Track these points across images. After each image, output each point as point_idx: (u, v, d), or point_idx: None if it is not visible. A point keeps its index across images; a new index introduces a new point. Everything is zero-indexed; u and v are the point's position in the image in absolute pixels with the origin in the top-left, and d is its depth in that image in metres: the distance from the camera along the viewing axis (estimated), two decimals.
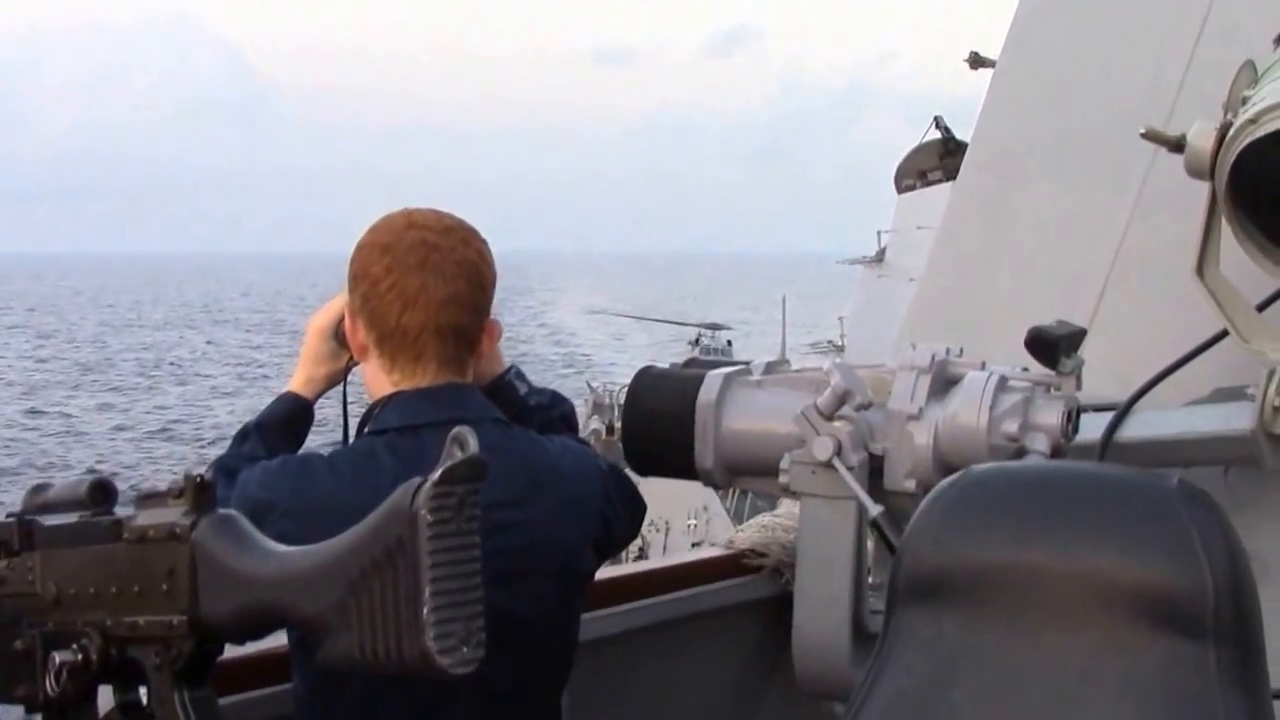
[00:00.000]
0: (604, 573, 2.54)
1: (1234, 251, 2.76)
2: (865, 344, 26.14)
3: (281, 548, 1.39)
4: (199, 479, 1.42)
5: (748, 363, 2.66)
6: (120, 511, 1.54)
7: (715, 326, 69.28)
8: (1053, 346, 2.36)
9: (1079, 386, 2.42)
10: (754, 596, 3.13)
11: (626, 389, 2.59)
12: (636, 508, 2.36)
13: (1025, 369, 2.50)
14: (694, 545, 26.42)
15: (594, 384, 47.57)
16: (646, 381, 2.62)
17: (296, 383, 2.45)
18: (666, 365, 3.01)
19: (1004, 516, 1.60)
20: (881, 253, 27.48)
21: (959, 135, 24.00)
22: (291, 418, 2.39)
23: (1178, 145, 2.68)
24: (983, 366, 2.44)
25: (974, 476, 1.74)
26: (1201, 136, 2.63)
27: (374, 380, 2.28)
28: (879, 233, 28.06)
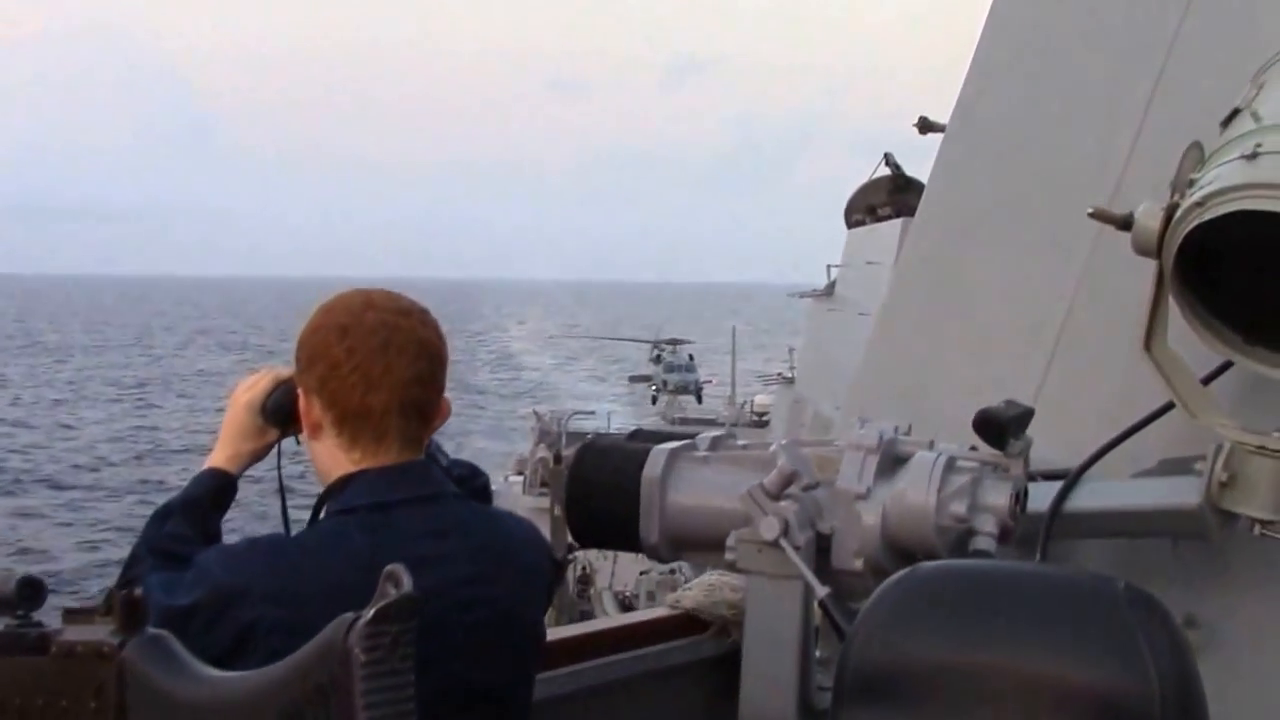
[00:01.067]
0: (552, 633, 2.60)
1: (1181, 324, 2.76)
2: (814, 377, 27.34)
3: (214, 672, 1.37)
4: (128, 595, 1.36)
5: (694, 435, 2.64)
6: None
7: (675, 341, 69.35)
8: (1001, 429, 2.36)
9: (1027, 468, 2.42)
10: (701, 656, 3.12)
11: (570, 461, 2.57)
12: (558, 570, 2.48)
13: (974, 447, 2.50)
14: (641, 574, 26.48)
15: (540, 410, 47.82)
16: (591, 454, 2.60)
17: (220, 458, 2.45)
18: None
19: (951, 617, 1.60)
20: (831, 286, 27.64)
21: (910, 172, 24.50)
22: (217, 495, 2.40)
23: (1125, 224, 2.71)
24: (931, 446, 2.44)
25: (922, 575, 1.73)
26: (1149, 217, 2.66)
27: (330, 459, 2.30)
28: (829, 267, 28.25)
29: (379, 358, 2.26)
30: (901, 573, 1.71)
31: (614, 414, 65.54)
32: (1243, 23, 3.03)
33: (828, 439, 2.59)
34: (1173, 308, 2.78)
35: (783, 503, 2.39)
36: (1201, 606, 2.96)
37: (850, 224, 26.15)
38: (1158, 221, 2.65)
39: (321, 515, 2.27)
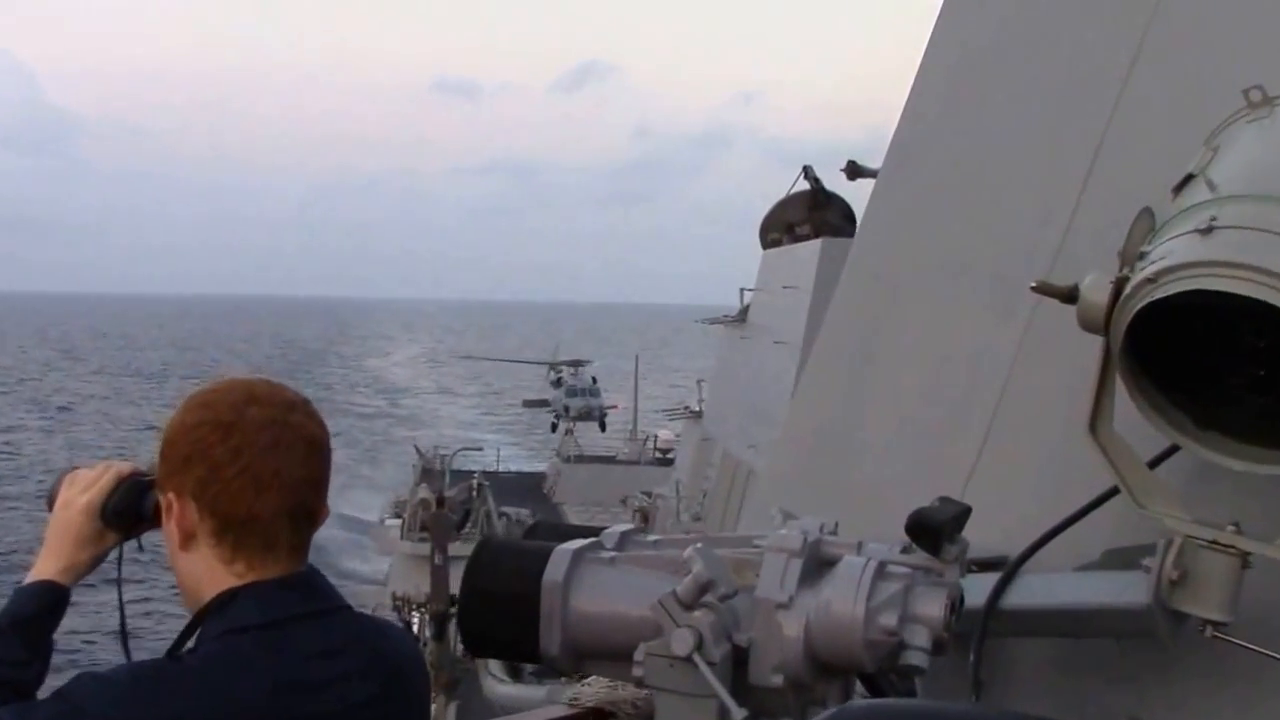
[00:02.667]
0: None
1: (1127, 403, 2.77)
2: (725, 411, 28.26)
3: None
4: None
5: (598, 532, 2.61)
6: None
7: (576, 363, 69.49)
8: (935, 533, 2.36)
9: (963, 572, 2.42)
10: None
11: (467, 563, 2.54)
12: None
13: (906, 546, 2.49)
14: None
15: (421, 446, 47.95)
16: (486, 556, 2.56)
17: (51, 568, 2.37)
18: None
19: None
20: (744, 312, 27.53)
21: (829, 186, 24.56)
22: (54, 611, 2.34)
23: (1069, 297, 2.72)
24: (859, 548, 2.43)
25: (852, 716, 1.72)
26: (1096, 290, 2.67)
27: (205, 572, 2.26)
28: (742, 291, 28.25)
29: (268, 458, 2.24)
30: (830, 713, 1.70)
31: (505, 447, 66.33)
32: (1194, 77, 3.05)
33: (746, 535, 2.57)
34: (1119, 385, 2.79)
35: (697, 613, 2.36)
36: (1147, 709, 2.98)
37: (766, 243, 26.40)
38: (1105, 296, 2.67)
39: (196, 636, 2.23)
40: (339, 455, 2.48)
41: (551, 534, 2.70)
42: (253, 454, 2.24)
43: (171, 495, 2.28)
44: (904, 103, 3.73)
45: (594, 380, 66.70)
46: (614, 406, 67.26)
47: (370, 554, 46.52)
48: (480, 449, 53.47)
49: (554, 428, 65.01)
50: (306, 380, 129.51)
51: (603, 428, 64.43)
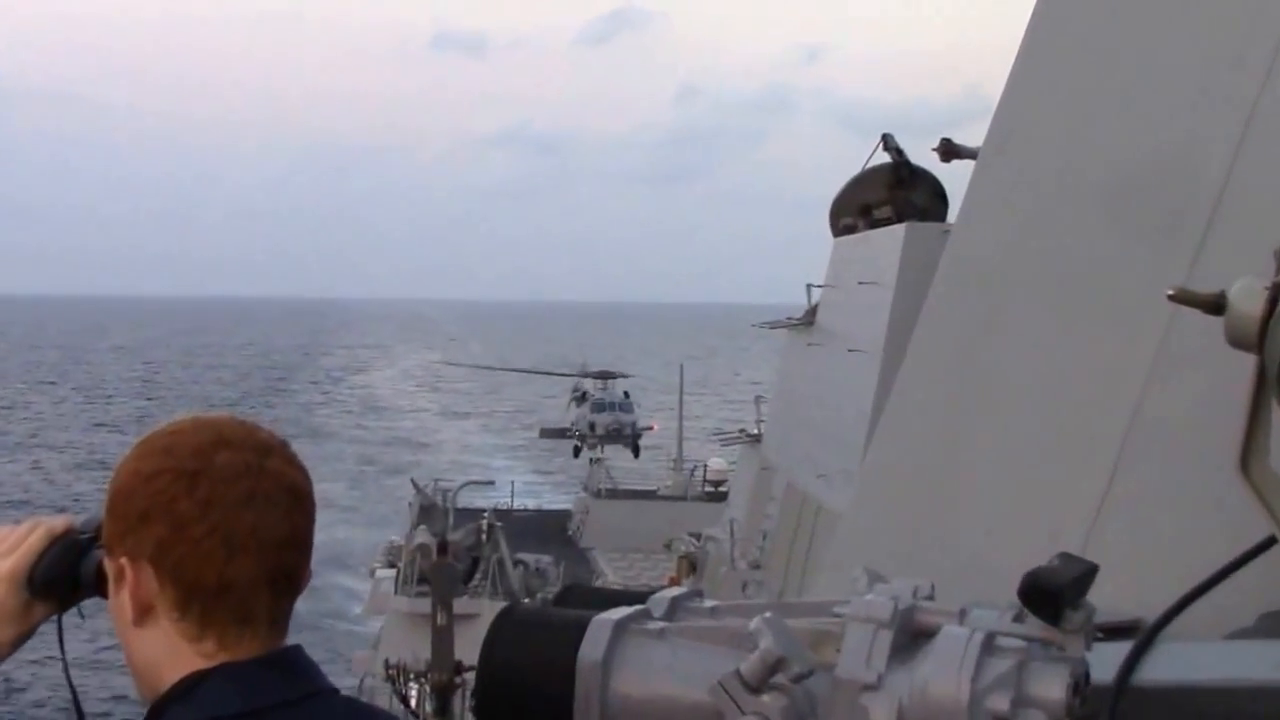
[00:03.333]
0: None
1: None
2: (789, 434, 28.32)
3: None
4: None
5: (644, 597, 2.62)
6: None
7: (606, 375, 69.23)
8: (1054, 597, 2.36)
9: (1089, 644, 2.43)
10: None
11: (485, 637, 2.55)
12: None
13: (1019, 613, 2.50)
14: None
15: (419, 480, 47.94)
16: (509, 629, 2.58)
17: None
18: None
19: None
20: (812, 313, 27.83)
21: (915, 159, 23.89)
22: None
23: (1215, 307, 2.72)
24: (962, 617, 2.43)
25: None
26: (1246, 299, 2.68)
27: (165, 651, 2.27)
28: (809, 287, 28.49)
29: (243, 514, 2.26)
30: None
31: (521, 479, 66.13)
32: None
33: (824, 601, 2.59)
34: (1276, 413, 2.79)
35: (765, 697, 2.37)
36: None
37: (837, 230, 26.33)
38: (1259, 306, 2.67)
39: None
40: (319, 489, 2.52)
41: (587, 600, 2.72)
42: (224, 509, 2.25)
43: (124, 560, 2.29)
44: (1011, 66, 3.72)
45: (626, 395, 66.61)
46: (650, 427, 67.55)
47: (358, 612, 46.67)
48: (492, 482, 53.63)
49: (577, 452, 65.37)
50: (280, 400, 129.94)
51: (636, 451, 64.93)
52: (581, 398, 67.54)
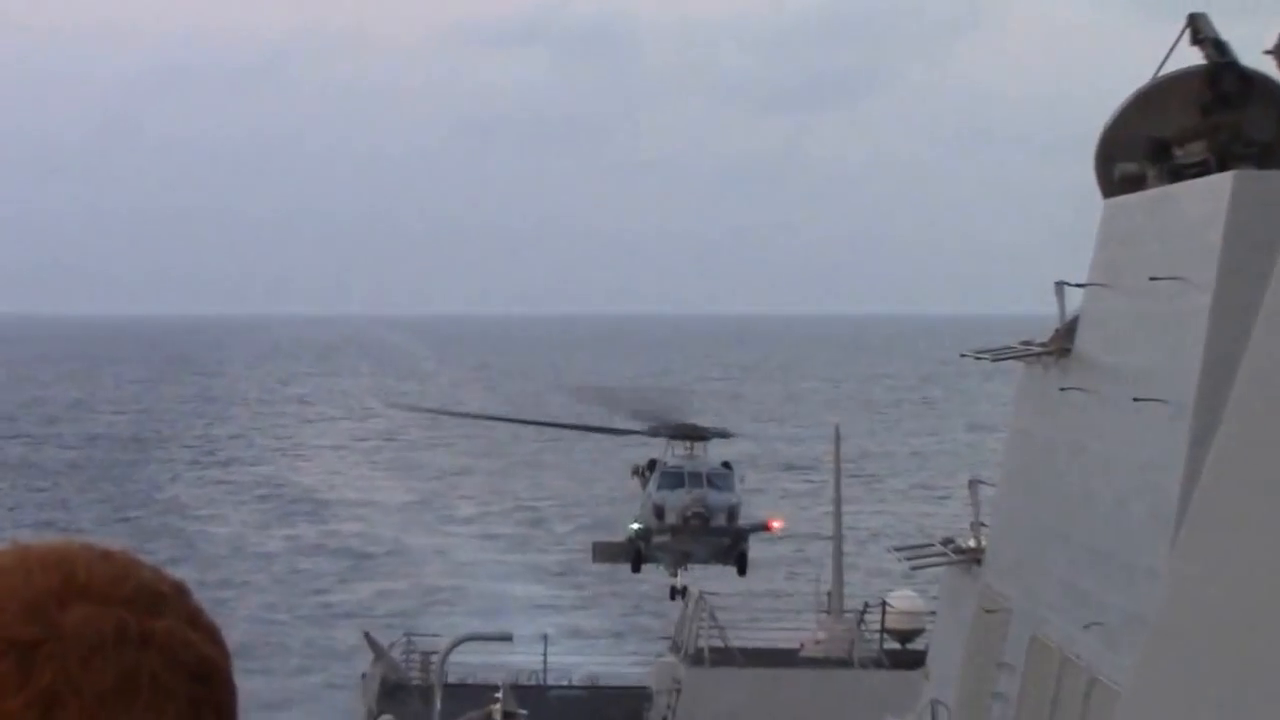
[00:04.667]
0: None
1: None
2: (1032, 550, 28.17)
3: None
4: None
5: None
6: None
7: (694, 436, 65.11)
8: None
9: None
10: None
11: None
12: None
13: None
14: None
15: (385, 638, 45.41)
16: None
17: None
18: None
19: None
20: (1067, 334, 28.02)
21: (1243, 58, 25.58)
22: None
23: None
24: None
25: None
26: None
27: None
28: (1060, 289, 28.55)
29: (114, 712, 2.39)
30: None
31: (555, 628, 62.69)
32: None
33: None
34: None
35: None
36: None
37: (1110, 184, 27.30)
38: None
39: None
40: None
41: None
42: (81, 707, 2.40)
43: None
44: None
45: (727, 466, 62.85)
46: (768, 525, 65.49)
47: None
48: (507, 636, 50.24)
49: (637, 563, 62.61)
50: (134, 479, 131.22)
51: (742, 567, 61.86)
52: (649, 466, 62.79)
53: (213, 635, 2.56)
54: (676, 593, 59.66)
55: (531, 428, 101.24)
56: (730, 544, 59.86)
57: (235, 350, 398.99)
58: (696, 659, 51.80)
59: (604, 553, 65.17)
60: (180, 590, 2.53)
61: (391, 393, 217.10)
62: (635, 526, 61.08)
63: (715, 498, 58.94)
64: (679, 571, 59.03)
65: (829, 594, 55.32)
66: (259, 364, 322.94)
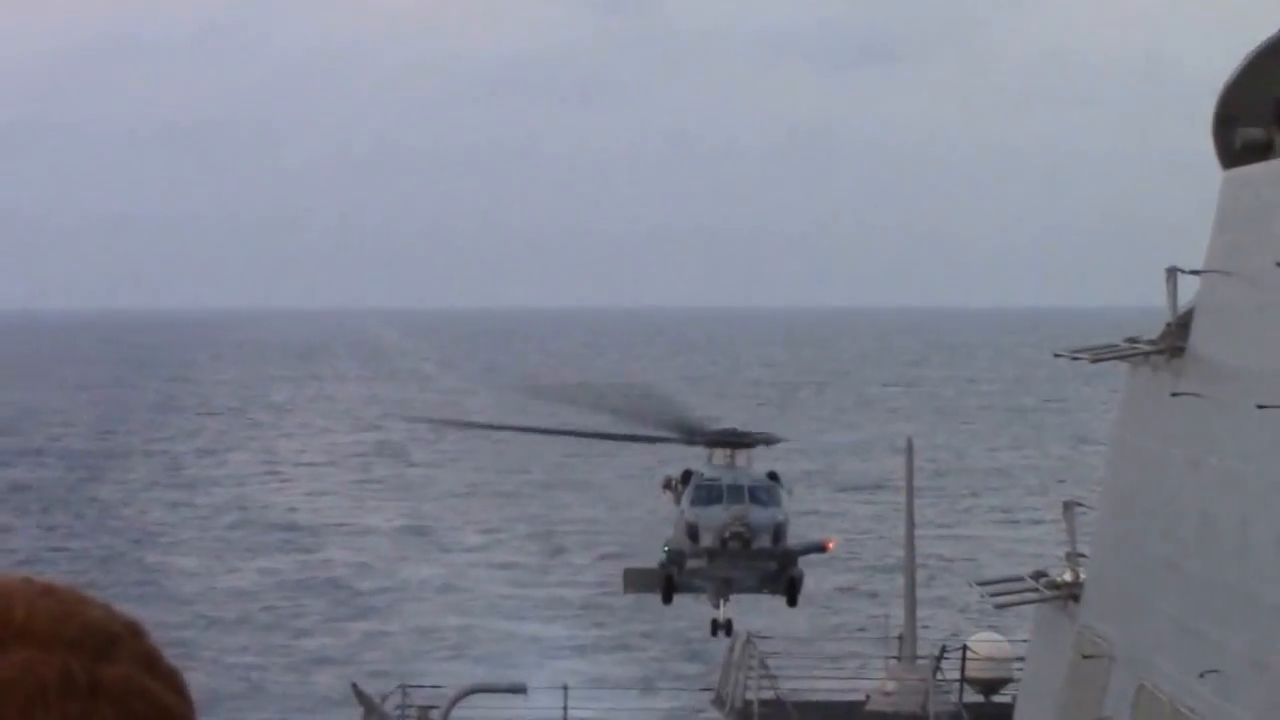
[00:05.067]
0: None
1: None
2: (1139, 585, 28.25)
3: None
4: None
5: None
6: None
7: (737, 442, 64.88)
8: None
9: None
10: None
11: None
12: None
13: None
14: None
15: (378, 691, 45.61)
16: None
17: None
18: None
19: None
20: (1180, 330, 28.54)
21: None
22: None
23: None
24: None
25: None
26: None
27: None
28: (1172, 276, 29.00)
29: None
30: None
31: (577, 675, 62.76)
32: None
33: None
34: None
35: None
36: None
37: (1230, 151, 27.69)
38: None
39: None
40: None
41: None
42: None
43: None
44: None
45: (773, 478, 62.50)
46: (826, 545, 66.84)
47: None
48: (521, 689, 50.38)
49: (669, 592, 62.03)
50: (96, 509, 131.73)
51: (793, 596, 61.24)
52: (684, 478, 62.47)
53: (173, 683, 2.54)
54: (718, 627, 59.06)
55: (546, 439, 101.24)
56: (777, 569, 59.36)
57: (203, 350, 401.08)
58: (744, 714, 51.88)
59: (637, 581, 64.43)
60: (135, 631, 2.49)
61: (384, 400, 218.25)
62: (667, 549, 60.55)
63: (758, 514, 58.24)
64: (721, 603, 58.50)
65: (900, 637, 55.10)
66: (230, 366, 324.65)
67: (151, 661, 2.45)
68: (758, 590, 59.13)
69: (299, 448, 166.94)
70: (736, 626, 57.37)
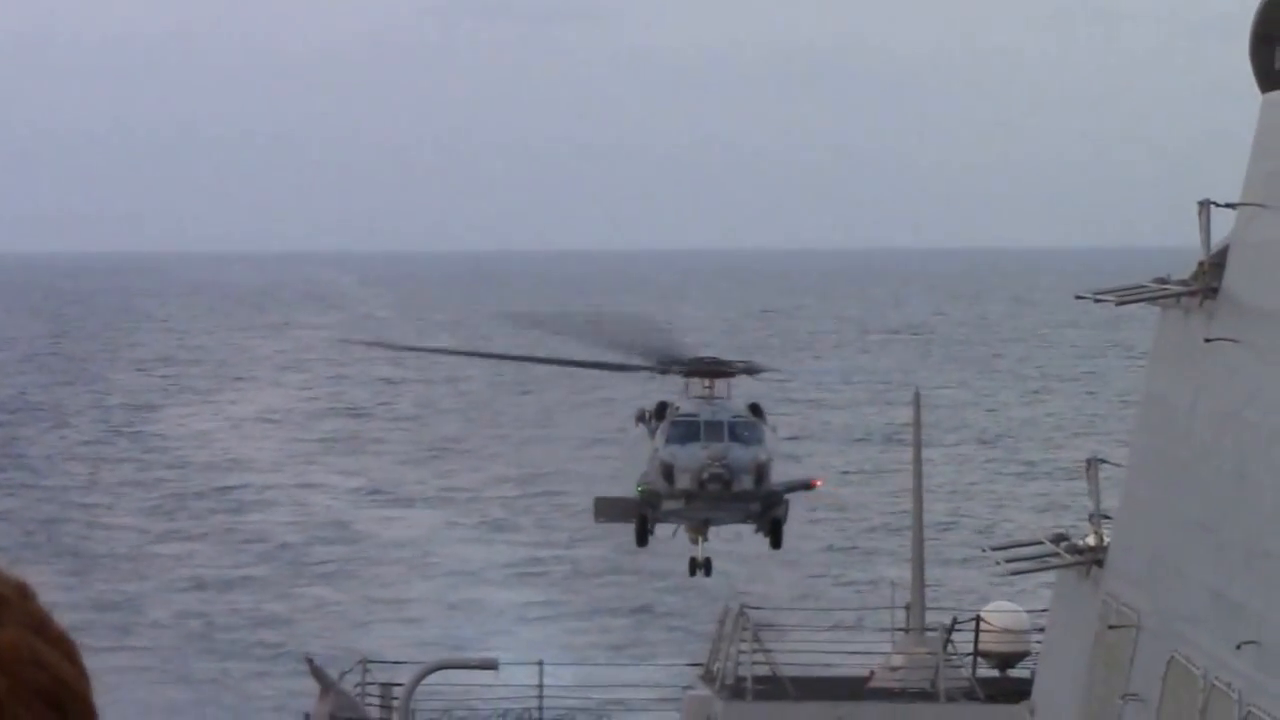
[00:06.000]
0: None
1: None
2: (1169, 549, 28.68)
3: None
4: None
5: None
6: None
7: (713, 369, 64.88)
8: None
9: None
10: None
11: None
12: None
13: None
14: None
15: (334, 666, 45.28)
16: None
17: None
18: None
19: None
20: (1214, 269, 28.55)
21: None
22: None
23: None
24: None
25: None
26: None
27: None
28: (1205, 209, 28.95)
29: None
30: None
31: (553, 648, 62.64)
32: None
33: None
34: None
35: None
36: None
37: (1272, 72, 27.86)
38: None
39: None
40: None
41: None
42: None
43: None
44: None
45: (755, 410, 62.46)
46: (810, 483, 68.37)
47: None
48: (491, 665, 50.25)
49: (643, 533, 62.91)
50: (19, 467, 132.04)
51: (777, 538, 62.54)
52: (659, 411, 62.44)
53: (65, 648, 2.55)
54: (697, 566, 60.12)
55: (511, 369, 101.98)
56: (760, 510, 59.44)
57: (137, 298, 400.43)
58: (736, 691, 51.61)
59: (609, 510, 65.02)
60: (23, 593, 2.51)
61: (337, 352, 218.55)
62: (641, 489, 60.79)
63: (739, 454, 58.23)
64: (700, 540, 58.61)
65: (907, 607, 55.24)
66: (167, 315, 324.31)
67: (41, 625, 2.48)
68: (740, 523, 59.22)
69: (242, 400, 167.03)
70: (730, 604, 57.68)
